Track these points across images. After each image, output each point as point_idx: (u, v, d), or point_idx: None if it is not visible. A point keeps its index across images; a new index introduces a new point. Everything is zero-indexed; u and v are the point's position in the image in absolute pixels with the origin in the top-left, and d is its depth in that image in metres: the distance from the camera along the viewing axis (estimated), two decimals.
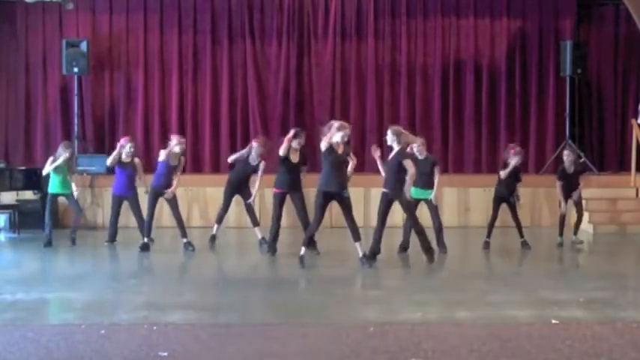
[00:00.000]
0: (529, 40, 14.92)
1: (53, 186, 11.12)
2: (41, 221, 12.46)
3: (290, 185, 10.04)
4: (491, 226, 10.80)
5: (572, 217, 11.28)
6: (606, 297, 7.75)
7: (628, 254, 10.60)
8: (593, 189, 13.04)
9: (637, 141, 13.28)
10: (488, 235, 10.78)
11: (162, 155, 10.63)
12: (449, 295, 7.86)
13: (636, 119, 13.60)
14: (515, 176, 10.77)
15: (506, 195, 10.75)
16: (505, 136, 14.70)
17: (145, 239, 10.63)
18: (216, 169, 14.73)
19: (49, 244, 10.94)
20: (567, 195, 11.07)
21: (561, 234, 11.04)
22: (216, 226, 11.26)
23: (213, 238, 11.19)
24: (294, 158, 10.03)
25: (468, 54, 14.85)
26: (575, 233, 11.12)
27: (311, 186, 10.21)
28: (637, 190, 13.21)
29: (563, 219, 11.06)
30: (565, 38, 14.56)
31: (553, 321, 6.67)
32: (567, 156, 11.23)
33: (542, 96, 14.90)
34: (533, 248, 10.71)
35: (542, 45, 14.91)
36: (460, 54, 14.88)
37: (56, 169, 11.02)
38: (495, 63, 14.92)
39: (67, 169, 11.12)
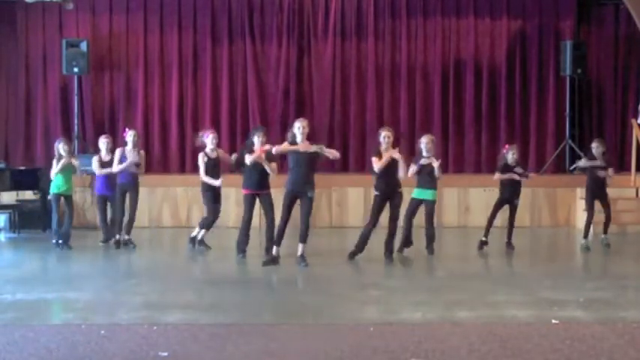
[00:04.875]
0: (529, 40, 14.92)
1: (56, 186, 10.84)
2: (41, 221, 12.53)
3: (258, 185, 9.85)
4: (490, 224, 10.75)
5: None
6: (606, 297, 7.76)
7: (628, 254, 10.60)
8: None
9: (637, 141, 13.28)
10: (487, 235, 10.72)
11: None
12: (449, 295, 7.86)
13: (636, 119, 13.60)
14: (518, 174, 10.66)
15: (512, 196, 10.64)
16: (505, 136, 14.69)
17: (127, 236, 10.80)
18: None
19: (64, 244, 10.75)
20: (594, 191, 10.73)
21: (586, 236, 10.74)
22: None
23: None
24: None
25: (468, 54, 14.85)
26: (605, 232, 10.83)
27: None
28: (637, 190, 13.21)
29: (591, 218, 10.74)
30: (565, 38, 14.57)
31: (553, 321, 6.67)
32: (596, 148, 10.82)
33: (542, 96, 14.90)
34: (533, 248, 10.70)
35: (542, 45, 14.91)
36: (460, 54, 14.88)
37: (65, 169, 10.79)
38: (495, 63, 14.92)
39: (70, 167, 10.87)
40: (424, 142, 10.16)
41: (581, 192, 13.27)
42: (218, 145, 10.83)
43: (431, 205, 10.17)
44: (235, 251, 10.03)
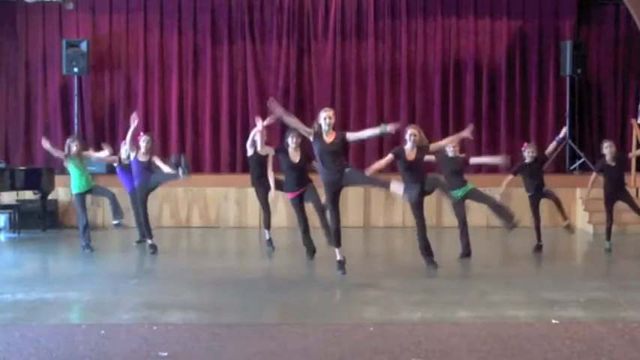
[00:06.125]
0: (529, 40, 14.94)
1: (75, 186, 10.56)
2: (41, 221, 12.53)
3: (301, 184, 9.64)
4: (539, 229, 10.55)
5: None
6: (606, 297, 7.75)
7: (628, 254, 10.60)
8: (593, 189, 13.02)
9: (637, 141, 13.28)
10: (539, 238, 10.53)
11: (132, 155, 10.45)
12: (449, 295, 7.86)
13: (636, 119, 13.60)
14: (539, 168, 10.52)
15: (537, 190, 10.46)
16: (505, 136, 14.72)
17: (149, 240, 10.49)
18: (216, 169, 14.73)
19: (88, 247, 10.50)
20: (612, 193, 10.41)
21: (609, 238, 10.48)
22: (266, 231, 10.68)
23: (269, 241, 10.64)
24: (295, 158, 9.67)
25: (468, 54, 14.86)
26: (608, 238, 10.55)
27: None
28: (637, 190, 13.21)
29: (610, 223, 10.44)
30: (565, 38, 14.58)
31: (553, 321, 6.67)
32: (608, 147, 10.42)
33: (542, 96, 14.91)
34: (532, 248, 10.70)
35: (542, 45, 14.92)
36: (460, 54, 14.89)
37: (72, 167, 10.52)
38: (495, 63, 14.93)
39: (81, 163, 10.56)
40: (451, 145, 9.84)
41: (581, 192, 13.29)
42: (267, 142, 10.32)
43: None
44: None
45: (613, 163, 10.46)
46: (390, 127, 8.66)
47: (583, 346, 5.91)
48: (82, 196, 10.60)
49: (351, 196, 13.29)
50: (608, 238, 10.52)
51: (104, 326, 6.46)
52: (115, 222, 10.64)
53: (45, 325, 6.61)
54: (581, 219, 13.19)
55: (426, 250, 9.16)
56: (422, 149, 9.13)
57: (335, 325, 6.59)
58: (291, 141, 9.60)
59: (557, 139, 10.76)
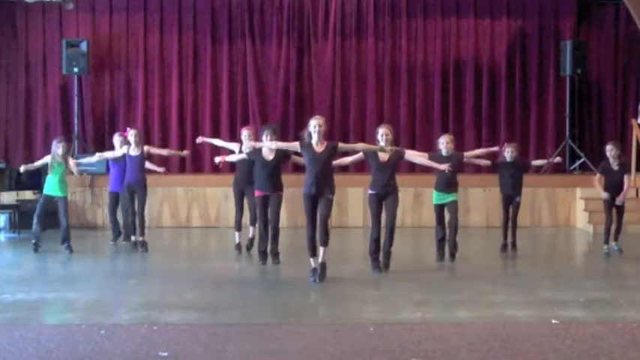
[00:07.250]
0: (529, 40, 14.94)
1: (47, 187, 10.49)
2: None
3: (268, 186, 9.38)
4: (505, 227, 10.52)
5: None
6: (606, 297, 7.76)
7: (628, 254, 10.59)
8: (593, 189, 13.01)
9: (637, 141, 13.28)
10: (505, 237, 10.53)
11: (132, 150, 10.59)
12: (449, 295, 7.86)
13: (636, 119, 13.60)
14: (519, 171, 10.51)
15: (512, 194, 10.46)
16: (505, 136, 14.68)
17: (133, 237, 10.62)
18: (216, 169, 14.70)
19: (36, 248, 10.49)
20: (611, 196, 10.29)
21: (607, 242, 10.33)
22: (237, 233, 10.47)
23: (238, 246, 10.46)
24: (268, 155, 9.40)
25: (468, 54, 14.87)
26: (616, 239, 10.44)
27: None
28: (637, 190, 13.21)
29: (610, 224, 10.30)
30: (565, 38, 14.58)
31: (553, 321, 6.67)
32: (610, 150, 10.31)
33: (542, 96, 14.92)
34: (533, 248, 10.71)
35: (542, 45, 14.93)
36: (460, 54, 14.90)
37: (51, 169, 10.42)
38: (495, 63, 14.93)
39: (63, 169, 10.50)
40: (444, 142, 9.76)
41: (581, 192, 13.30)
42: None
43: (452, 206, 9.74)
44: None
45: (615, 167, 10.38)
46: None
47: (583, 346, 5.91)
48: (49, 199, 10.54)
49: (351, 196, 13.32)
50: (607, 241, 10.37)
51: (104, 326, 6.46)
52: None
53: (45, 325, 6.62)
54: (581, 219, 13.18)
55: (372, 253, 9.17)
56: (395, 152, 9.08)
57: (335, 325, 6.60)
58: (265, 138, 9.45)
59: (549, 161, 10.54)
